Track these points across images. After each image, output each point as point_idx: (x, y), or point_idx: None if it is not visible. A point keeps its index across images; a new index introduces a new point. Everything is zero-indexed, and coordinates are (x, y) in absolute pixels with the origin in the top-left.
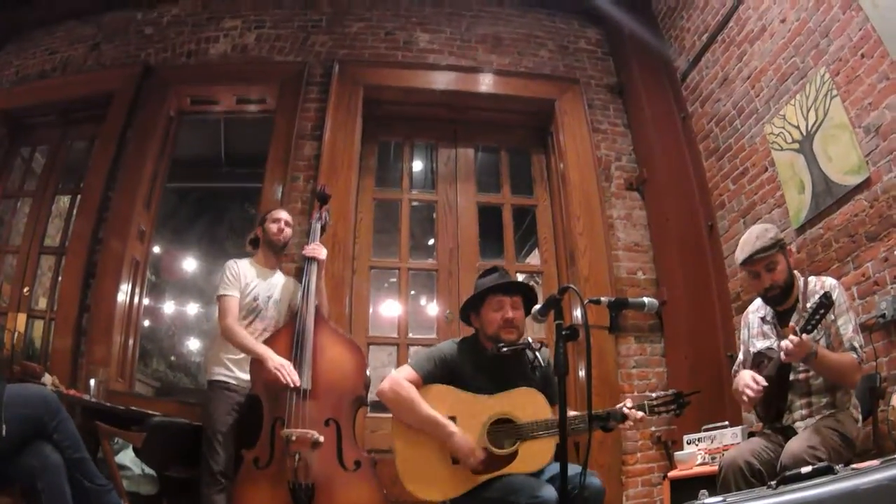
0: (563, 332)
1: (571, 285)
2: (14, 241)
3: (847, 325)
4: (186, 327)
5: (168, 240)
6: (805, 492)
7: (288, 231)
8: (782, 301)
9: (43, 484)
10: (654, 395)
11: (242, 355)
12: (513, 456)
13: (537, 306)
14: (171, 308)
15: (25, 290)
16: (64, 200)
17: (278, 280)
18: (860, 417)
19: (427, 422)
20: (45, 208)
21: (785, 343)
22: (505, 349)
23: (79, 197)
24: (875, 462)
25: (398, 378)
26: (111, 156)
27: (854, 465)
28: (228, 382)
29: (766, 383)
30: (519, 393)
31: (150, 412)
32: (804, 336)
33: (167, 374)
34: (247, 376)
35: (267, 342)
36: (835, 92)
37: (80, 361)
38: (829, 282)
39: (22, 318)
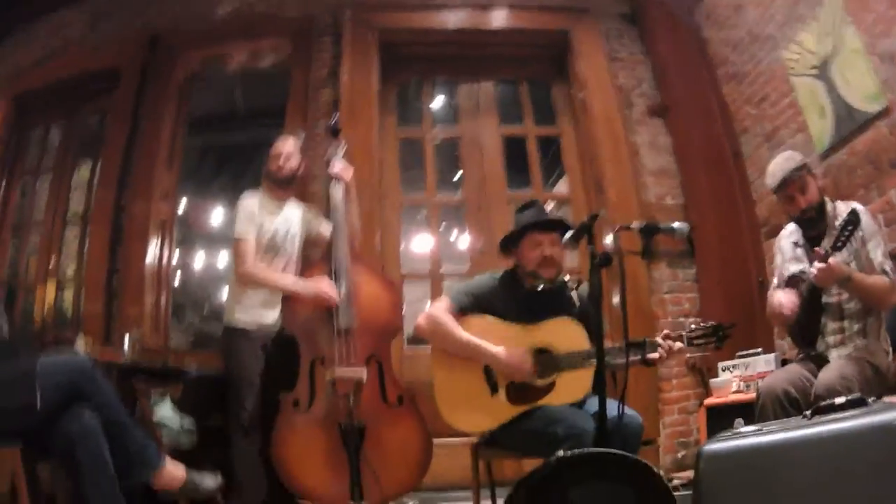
0: (596, 260)
1: (601, 211)
2: (37, 217)
3: (877, 250)
4: (218, 277)
5: (193, 195)
6: (839, 423)
7: (292, 162)
8: (818, 224)
9: (82, 450)
10: (692, 326)
11: (262, 297)
12: (551, 387)
13: (568, 234)
14: (202, 260)
15: (52, 260)
16: (84, 171)
17: (293, 212)
18: (890, 349)
19: (466, 346)
20: (65, 180)
21: (812, 269)
22: (543, 287)
23: (98, 166)
24: None
25: (435, 310)
26: (127, 125)
27: (886, 399)
28: (248, 330)
29: (796, 300)
30: (557, 323)
31: (186, 366)
32: (835, 257)
33: (202, 327)
34: (268, 321)
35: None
36: (849, 18)
37: (112, 323)
38: (854, 205)
39: (51, 288)
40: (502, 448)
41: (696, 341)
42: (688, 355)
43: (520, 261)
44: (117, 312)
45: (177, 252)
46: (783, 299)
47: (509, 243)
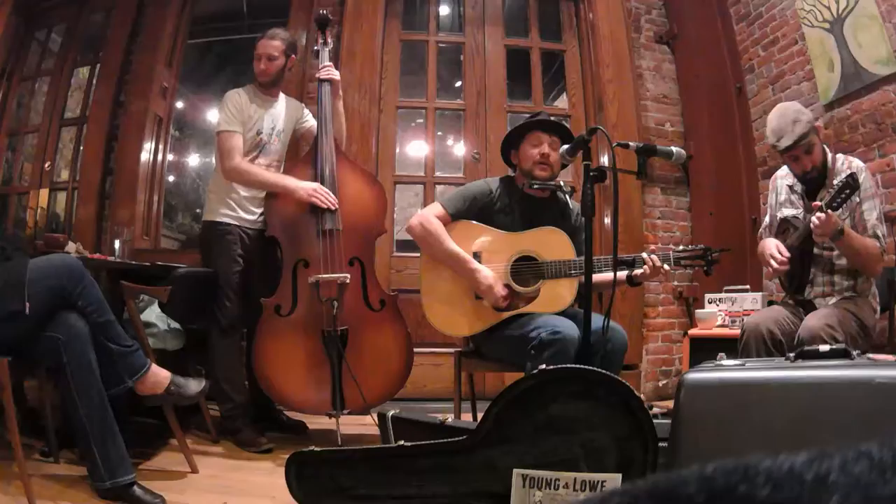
0: (591, 173)
1: (600, 126)
2: (34, 122)
3: (871, 212)
4: (212, 173)
5: (192, 93)
6: (822, 371)
7: (276, 63)
8: (819, 179)
9: (68, 355)
10: (680, 247)
11: (246, 193)
12: (534, 295)
13: (565, 146)
14: (196, 160)
15: (47, 165)
16: (83, 72)
17: (280, 108)
18: (878, 308)
19: (451, 257)
20: (63, 82)
21: (814, 219)
22: (536, 186)
23: (98, 66)
24: (892, 357)
25: (427, 214)
26: (130, 21)
27: (871, 355)
28: (230, 224)
29: (788, 255)
30: (544, 232)
31: (176, 265)
32: (830, 212)
33: (192, 227)
34: (250, 216)
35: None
36: None
37: (104, 227)
38: (856, 163)
39: (44, 193)
40: (486, 358)
41: (683, 262)
42: (675, 283)
43: (519, 161)
44: (109, 215)
45: (170, 152)
46: (775, 253)
47: (511, 142)
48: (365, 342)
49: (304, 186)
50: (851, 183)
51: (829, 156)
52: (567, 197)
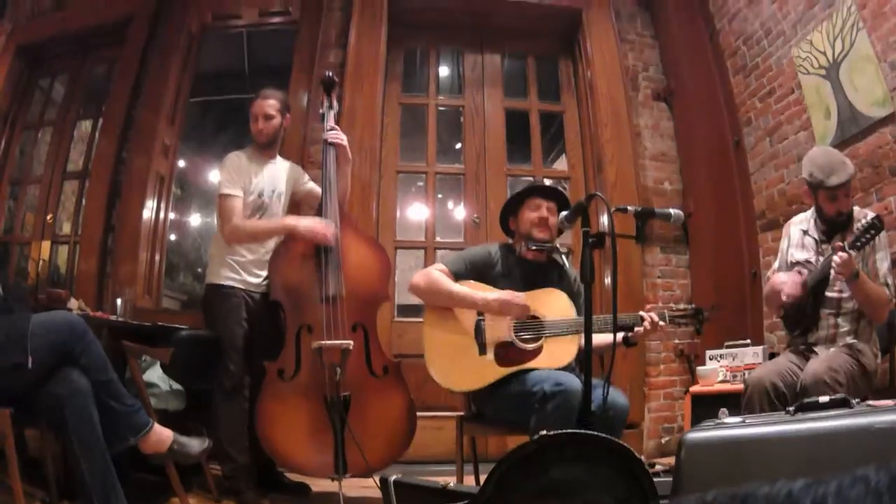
0: (590, 240)
1: (598, 193)
2: (36, 172)
3: (883, 262)
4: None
5: (193, 153)
6: (821, 422)
7: (273, 123)
8: (842, 226)
9: (70, 411)
10: (674, 306)
11: (249, 257)
12: (537, 351)
13: (564, 212)
14: (198, 220)
15: (49, 217)
16: (86, 125)
17: (280, 170)
18: (878, 353)
19: (458, 296)
20: (66, 134)
21: (835, 258)
22: (534, 248)
23: (101, 120)
24: (890, 402)
25: (429, 268)
26: (133, 76)
27: (870, 402)
28: (235, 287)
29: (801, 283)
30: (545, 293)
31: (178, 326)
32: (852, 252)
33: (194, 287)
34: (254, 279)
35: (287, 245)
36: (861, 24)
37: (106, 283)
38: (871, 214)
39: (46, 245)
40: (488, 421)
41: (676, 319)
42: (675, 341)
43: (518, 226)
44: (111, 271)
45: (172, 211)
46: (785, 278)
47: (509, 212)
48: (368, 408)
49: (304, 223)
50: (877, 224)
51: (856, 208)
52: (564, 260)
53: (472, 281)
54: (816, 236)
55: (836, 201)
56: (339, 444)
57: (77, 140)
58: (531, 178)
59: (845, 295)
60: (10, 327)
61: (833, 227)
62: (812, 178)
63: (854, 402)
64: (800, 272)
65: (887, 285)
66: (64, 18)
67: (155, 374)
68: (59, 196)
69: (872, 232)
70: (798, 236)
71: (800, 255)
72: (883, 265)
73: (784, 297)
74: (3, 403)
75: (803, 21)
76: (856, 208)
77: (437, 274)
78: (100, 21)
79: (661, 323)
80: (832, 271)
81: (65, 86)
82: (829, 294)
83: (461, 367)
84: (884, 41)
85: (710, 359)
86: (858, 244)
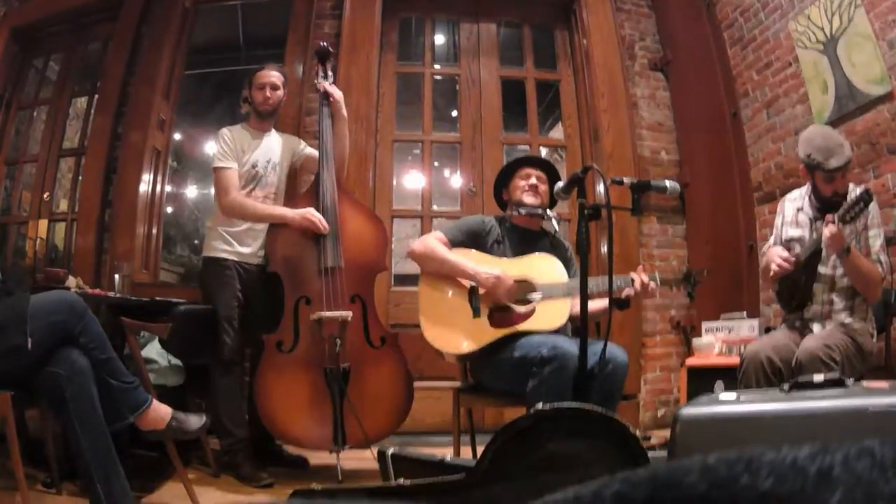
0: (586, 211)
1: (594, 165)
2: (32, 151)
3: (876, 239)
4: (209, 209)
5: (189, 125)
6: (815, 402)
7: (277, 94)
8: (838, 203)
9: (70, 391)
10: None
11: (243, 227)
12: (530, 313)
13: (560, 183)
14: (194, 192)
15: (46, 195)
16: (81, 102)
17: (275, 141)
18: (875, 332)
19: (453, 265)
20: (62, 112)
21: (827, 229)
22: (525, 212)
23: (96, 97)
24: (885, 384)
25: (427, 236)
26: (127, 52)
27: (865, 383)
28: (227, 259)
29: (793, 259)
30: (537, 257)
31: (176, 300)
32: (841, 225)
33: (191, 259)
34: (248, 250)
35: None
36: (859, 2)
37: (103, 259)
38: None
39: (43, 224)
40: (485, 390)
41: (669, 281)
42: (672, 312)
43: (510, 195)
44: (108, 247)
45: (168, 184)
46: (778, 255)
47: (502, 185)
48: (366, 379)
49: (297, 215)
50: (866, 197)
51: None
52: (556, 227)
53: (467, 249)
54: (811, 214)
55: (833, 183)
56: (338, 415)
57: (73, 117)
58: (527, 147)
59: (839, 272)
60: (9, 310)
61: (828, 205)
62: (810, 160)
63: (849, 381)
64: (791, 250)
65: (880, 262)
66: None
67: (154, 350)
68: (55, 174)
69: (861, 204)
70: (792, 213)
71: (794, 232)
72: (876, 242)
73: (774, 267)
74: (3, 386)
75: None
76: (850, 185)
77: (435, 241)
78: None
79: (653, 284)
80: (823, 245)
81: (59, 64)
82: (822, 270)
83: (456, 330)
84: (882, 19)
85: (707, 331)
86: (848, 217)
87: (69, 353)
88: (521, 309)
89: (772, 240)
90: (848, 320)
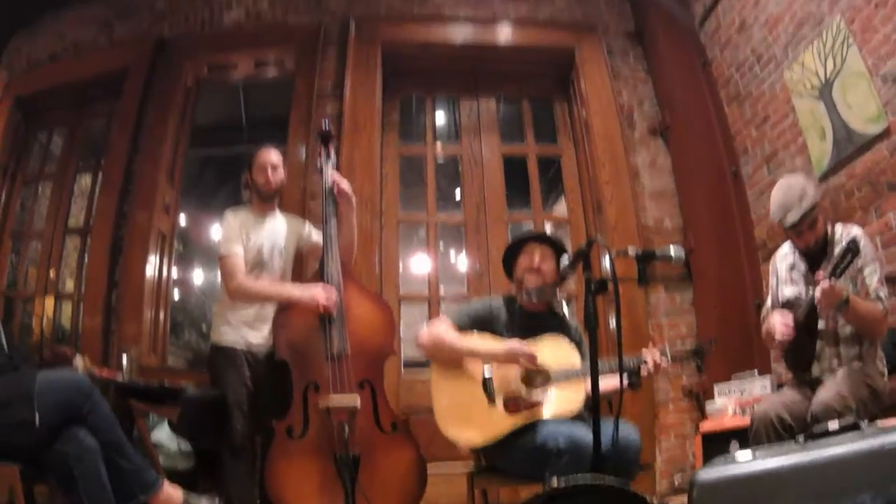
0: (592, 286)
1: (598, 238)
2: (37, 226)
3: (873, 276)
4: (216, 295)
5: (194, 208)
6: (832, 448)
7: (279, 174)
8: (820, 253)
9: (79, 470)
10: (678, 344)
11: (251, 314)
12: (545, 400)
13: (565, 259)
14: (201, 277)
15: (52, 273)
16: (86, 179)
17: (280, 224)
18: (885, 371)
19: (466, 350)
20: (66, 189)
21: (818, 290)
22: (527, 296)
23: (100, 175)
24: None
25: (436, 324)
26: (130, 131)
27: (880, 423)
28: (235, 348)
29: (792, 323)
30: (549, 341)
31: (184, 385)
32: (835, 283)
33: (199, 345)
34: (256, 336)
35: (290, 303)
36: (851, 40)
37: (111, 339)
38: (854, 230)
39: (49, 301)
40: (499, 473)
41: (677, 357)
42: (683, 379)
43: (515, 275)
44: (116, 329)
45: (174, 268)
46: (778, 322)
47: (510, 258)
48: (378, 465)
49: (305, 292)
50: (853, 248)
51: (829, 227)
52: (564, 307)
53: (481, 333)
54: (803, 269)
55: (802, 236)
56: (351, 502)
57: (77, 195)
58: (531, 225)
59: (840, 322)
60: (17, 385)
61: (813, 257)
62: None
63: (863, 424)
64: (791, 312)
65: (880, 299)
66: (60, 71)
67: (163, 433)
68: (61, 251)
69: (849, 257)
70: (785, 271)
71: (789, 292)
72: (872, 280)
73: (778, 337)
74: (12, 460)
75: (794, 42)
76: (838, 227)
77: (443, 328)
78: (95, 73)
79: (664, 358)
80: (818, 305)
81: (63, 138)
82: (822, 326)
83: (471, 421)
84: (875, 54)
85: (719, 393)
86: (838, 272)
87: (77, 432)
88: (535, 396)
89: (769, 301)
90: (858, 365)
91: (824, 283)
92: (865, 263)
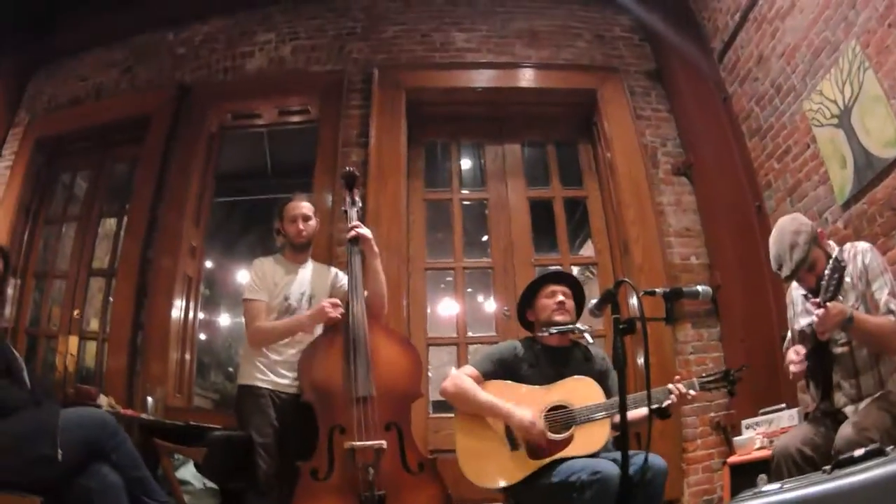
0: (621, 326)
1: (626, 279)
2: (61, 266)
3: (882, 290)
4: (242, 338)
5: (219, 253)
6: (858, 476)
7: (311, 225)
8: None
9: None
10: (704, 375)
11: (276, 358)
12: (569, 440)
13: (594, 300)
14: (227, 320)
15: (76, 312)
16: (110, 223)
17: (310, 273)
18: None
19: (486, 406)
20: (90, 231)
21: (814, 317)
22: (555, 331)
23: (125, 219)
24: None
25: (458, 374)
26: (155, 176)
27: None
28: (262, 388)
29: (804, 351)
30: (572, 381)
31: (210, 426)
32: (829, 304)
33: (226, 386)
34: (283, 380)
35: (316, 346)
36: (867, 64)
37: (135, 381)
38: (860, 246)
39: (74, 340)
40: None
41: (708, 385)
42: (711, 414)
43: (537, 316)
44: (141, 369)
45: (201, 311)
46: (792, 357)
47: (526, 305)
48: None
49: (313, 314)
50: (836, 265)
51: (835, 253)
52: (589, 339)
53: (499, 382)
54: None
55: (803, 281)
56: None
57: (102, 237)
58: (559, 267)
59: (856, 347)
60: (39, 420)
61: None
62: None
63: (888, 449)
64: (805, 341)
65: (891, 311)
66: (82, 114)
67: (188, 472)
68: (85, 292)
69: (836, 276)
70: (801, 302)
71: (804, 322)
72: (883, 293)
73: (793, 369)
74: (34, 492)
75: (812, 72)
76: (846, 247)
77: (465, 380)
78: (118, 117)
79: (692, 392)
80: (817, 331)
81: (87, 181)
82: (837, 351)
83: (494, 465)
84: (890, 76)
85: (746, 428)
86: (829, 294)
87: (100, 468)
88: (558, 437)
89: (788, 334)
90: (879, 393)
91: (817, 311)
92: (874, 278)
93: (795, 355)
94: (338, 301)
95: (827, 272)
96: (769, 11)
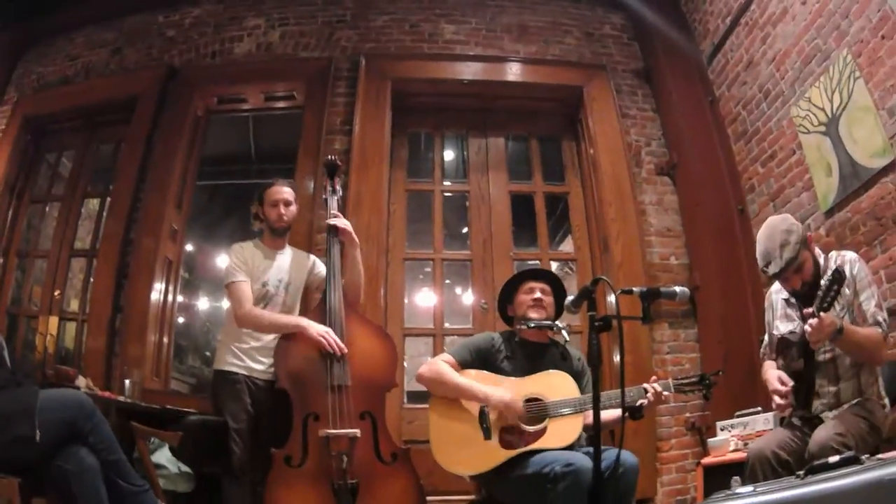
0: (596, 324)
1: (604, 277)
2: (43, 246)
3: (870, 301)
4: (221, 322)
5: (200, 237)
6: (831, 482)
7: (291, 210)
8: (814, 286)
9: (78, 487)
10: (680, 377)
11: (254, 344)
12: (541, 432)
13: (570, 297)
14: (206, 304)
15: (56, 293)
16: (93, 203)
17: (288, 260)
18: (888, 403)
19: (463, 389)
20: (73, 211)
21: (806, 328)
22: (532, 326)
23: (108, 199)
24: None
25: (435, 360)
26: (139, 157)
27: (880, 455)
28: (237, 374)
29: (792, 382)
30: (548, 374)
31: (186, 410)
32: (823, 315)
33: (203, 371)
34: (259, 366)
35: (293, 334)
36: (857, 74)
37: (114, 362)
38: (848, 255)
39: (54, 320)
40: (500, 503)
41: (683, 388)
42: (686, 414)
43: (515, 311)
44: (119, 351)
45: (180, 294)
46: (777, 387)
47: (506, 300)
48: (377, 495)
49: (315, 327)
50: (838, 277)
51: (822, 259)
52: (566, 337)
53: (475, 371)
54: (797, 303)
55: (788, 281)
56: None
57: (84, 217)
58: (538, 262)
59: (838, 355)
60: (18, 401)
61: (805, 296)
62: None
63: (863, 457)
64: (787, 349)
65: (878, 323)
66: (70, 93)
67: (164, 456)
68: (66, 272)
69: (836, 287)
70: (781, 306)
71: (784, 328)
72: (870, 304)
73: (778, 401)
74: (11, 473)
75: (801, 78)
76: (832, 255)
77: (443, 365)
78: (105, 98)
79: (667, 393)
80: (809, 341)
81: (72, 161)
82: (820, 358)
83: (467, 453)
84: (881, 87)
85: (721, 430)
86: (826, 305)
87: (77, 450)
88: (532, 428)
89: (766, 339)
90: (857, 401)
91: (812, 321)
92: (861, 289)
93: (781, 385)
94: (344, 348)
95: (825, 282)
96: (761, 17)
